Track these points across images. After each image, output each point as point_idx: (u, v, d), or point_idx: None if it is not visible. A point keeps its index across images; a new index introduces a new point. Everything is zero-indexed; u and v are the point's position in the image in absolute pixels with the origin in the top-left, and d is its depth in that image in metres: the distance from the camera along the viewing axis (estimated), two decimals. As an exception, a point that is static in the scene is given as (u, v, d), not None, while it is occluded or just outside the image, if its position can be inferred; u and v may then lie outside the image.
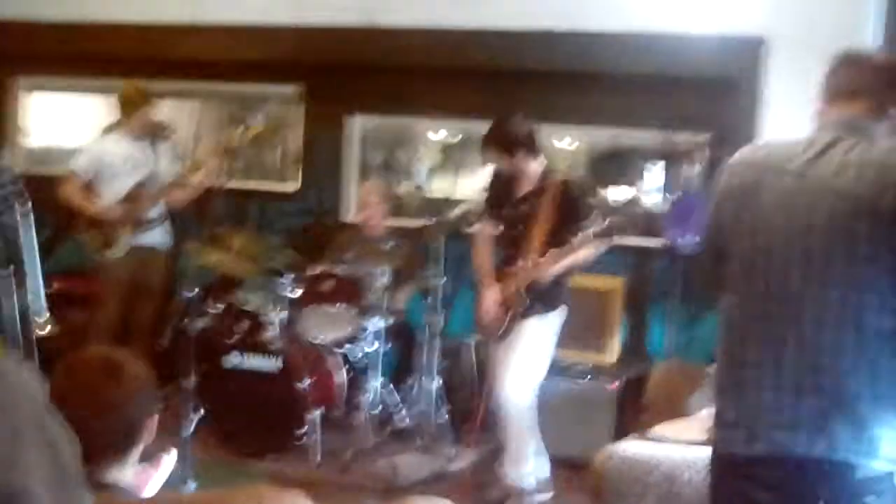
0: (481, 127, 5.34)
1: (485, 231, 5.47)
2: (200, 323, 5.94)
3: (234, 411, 5.86)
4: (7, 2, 7.44)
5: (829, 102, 2.53)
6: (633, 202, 6.84)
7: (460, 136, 7.30)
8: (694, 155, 6.57)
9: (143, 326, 6.64)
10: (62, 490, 0.84)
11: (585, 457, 4.59)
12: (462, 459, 5.88)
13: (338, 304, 6.19)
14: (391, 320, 6.22)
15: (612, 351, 6.52)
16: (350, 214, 7.34)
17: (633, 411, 5.71)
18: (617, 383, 5.97)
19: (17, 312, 5.65)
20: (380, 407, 6.05)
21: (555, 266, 5.02)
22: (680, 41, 6.17)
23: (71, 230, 6.66)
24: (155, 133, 6.55)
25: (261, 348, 5.94)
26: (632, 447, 4.34)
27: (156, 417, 2.27)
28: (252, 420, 5.82)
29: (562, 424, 5.56)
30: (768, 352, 2.39)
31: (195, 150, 7.50)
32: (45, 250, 6.28)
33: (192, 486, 4.67)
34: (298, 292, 6.22)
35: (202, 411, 5.68)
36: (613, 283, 6.52)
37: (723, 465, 2.52)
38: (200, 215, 6.67)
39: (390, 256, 6.30)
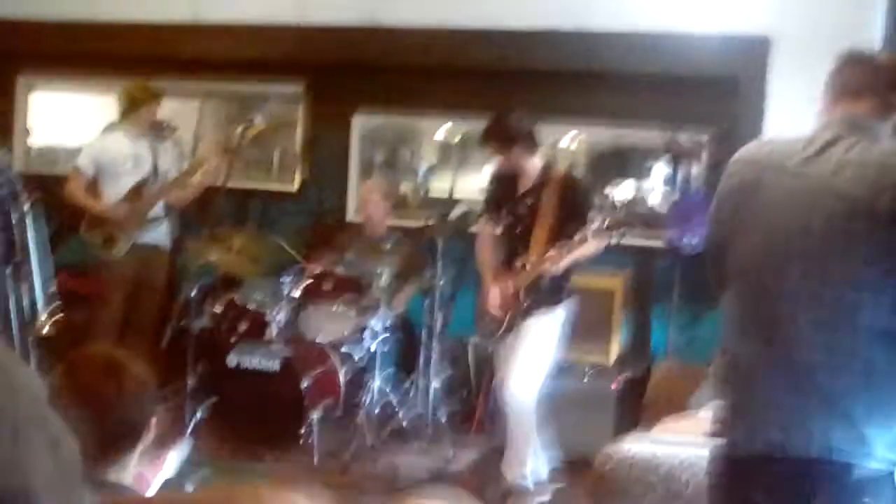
0: (483, 126, 5.34)
1: (487, 229, 5.47)
2: (202, 322, 5.95)
3: (235, 410, 5.85)
4: (11, 0, 7.44)
5: (834, 101, 2.52)
6: (636, 201, 6.84)
7: (462, 135, 7.29)
8: (697, 154, 6.57)
9: (145, 325, 6.63)
10: (64, 490, 0.84)
11: (586, 456, 4.59)
12: (462, 459, 5.88)
13: (339, 304, 6.18)
14: (392, 320, 6.23)
15: (613, 351, 6.51)
16: (352, 213, 7.34)
17: (633, 411, 5.71)
18: (617, 383, 5.97)
19: (20, 309, 5.67)
20: (380, 406, 6.05)
21: (558, 263, 5.02)
22: (684, 40, 6.17)
23: (73, 228, 6.66)
24: (157, 131, 6.55)
25: (262, 347, 5.94)
26: (632, 447, 4.33)
27: (157, 417, 2.27)
28: (253, 419, 5.82)
29: (562, 424, 5.55)
30: (766, 351, 2.39)
31: (197, 149, 7.50)
32: (49, 249, 6.32)
33: (192, 485, 4.67)
34: (300, 291, 6.23)
35: (203, 410, 5.68)
36: (614, 283, 6.51)
37: (722, 465, 2.52)
38: (202, 214, 6.68)
39: (392, 256, 6.30)
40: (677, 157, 6.64)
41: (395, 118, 7.42)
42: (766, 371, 2.39)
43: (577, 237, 4.91)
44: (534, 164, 5.24)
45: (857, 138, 2.40)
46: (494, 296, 5.24)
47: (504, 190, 5.34)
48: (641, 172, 6.96)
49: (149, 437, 2.25)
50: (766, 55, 6.01)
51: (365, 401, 5.97)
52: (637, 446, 4.34)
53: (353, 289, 6.22)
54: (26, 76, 8.05)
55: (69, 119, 8.16)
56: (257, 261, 6.35)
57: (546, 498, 5.28)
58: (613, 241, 5.06)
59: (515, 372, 5.10)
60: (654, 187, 6.92)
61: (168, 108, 6.94)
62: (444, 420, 6.06)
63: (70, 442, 0.87)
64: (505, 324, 5.21)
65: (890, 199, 2.27)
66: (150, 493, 2.32)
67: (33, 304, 5.66)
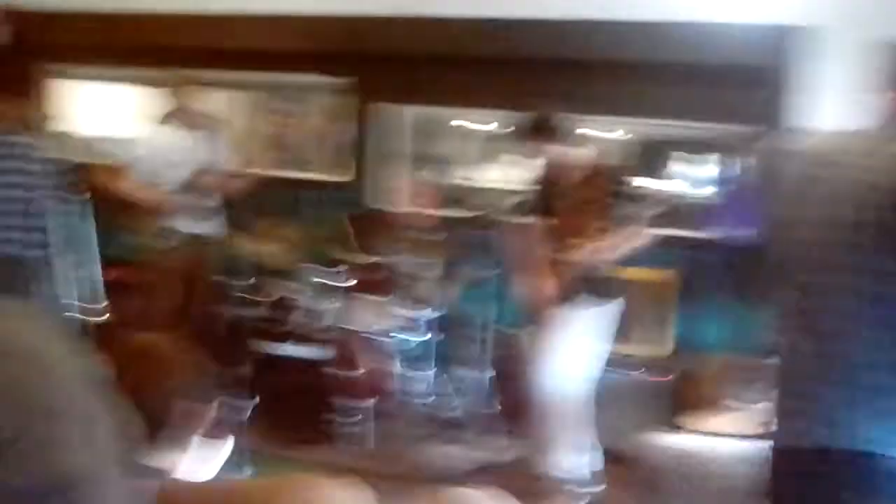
0: (530, 117, 5.33)
1: (532, 222, 5.46)
2: (252, 313, 5.99)
3: (285, 400, 5.89)
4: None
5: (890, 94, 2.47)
6: (680, 194, 6.80)
7: (508, 127, 7.27)
8: (744, 147, 6.51)
9: (196, 316, 6.68)
10: (99, 471, 0.85)
11: (637, 450, 4.58)
12: (511, 451, 5.88)
13: (389, 295, 6.20)
14: (440, 311, 6.23)
15: (666, 343, 6.48)
16: (398, 205, 7.35)
17: (686, 404, 5.67)
18: (670, 376, 5.94)
19: (72, 298, 5.75)
20: (430, 398, 6.06)
21: (601, 258, 5.00)
22: (721, 30, 6.12)
23: (124, 220, 6.73)
24: (206, 124, 6.59)
25: (312, 338, 5.98)
26: (681, 440, 4.32)
27: (209, 405, 2.29)
28: (300, 410, 5.86)
29: (614, 417, 5.53)
30: (816, 346, 2.37)
31: (246, 141, 7.54)
32: (99, 240, 6.40)
33: (242, 473, 4.71)
34: (350, 283, 6.25)
35: (253, 401, 5.73)
36: (667, 276, 6.48)
37: (780, 459, 2.50)
38: (250, 206, 6.72)
39: (440, 247, 6.31)
40: (724, 149, 6.59)
41: (442, 110, 7.43)
42: (815, 366, 2.37)
43: (617, 232, 4.90)
44: (580, 158, 5.22)
45: None
46: (543, 288, 5.23)
47: (549, 183, 5.33)
48: (690, 165, 6.91)
49: (200, 425, 2.26)
50: (810, 46, 5.94)
51: (414, 393, 5.98)
52: (686, 439, 4.33)
53: (402, 280, 6.24)
54: (66, 67, 8.12)
55: (112, 110, 8.24)
56: (306, 253, 6.38)
57: (597, 490, 5.26)
58: (652, 236, 5.04)
59: (563, 364, 5.09)
60: (700, 180, 6.87)
61: (217, 100, 6.99)
62: (494, 411, 6.06)
63: (109, 424, 0.88)
64: (554, 316, 5.20)
65: None
66: (200, 480, 2.33)
67: (84, 292, 5.75)
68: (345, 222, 6.88)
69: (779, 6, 6.03)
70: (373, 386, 5.93)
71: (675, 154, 6.94)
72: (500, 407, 6.15)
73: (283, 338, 6.02)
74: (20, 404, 0.79)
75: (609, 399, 5.47)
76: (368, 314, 6.18)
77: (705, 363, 5.98)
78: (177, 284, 6.54)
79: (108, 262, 6.93)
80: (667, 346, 6.49)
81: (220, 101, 7.38)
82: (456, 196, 7.41)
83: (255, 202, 6.75)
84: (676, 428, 4.86)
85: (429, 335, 6.11)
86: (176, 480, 2.09)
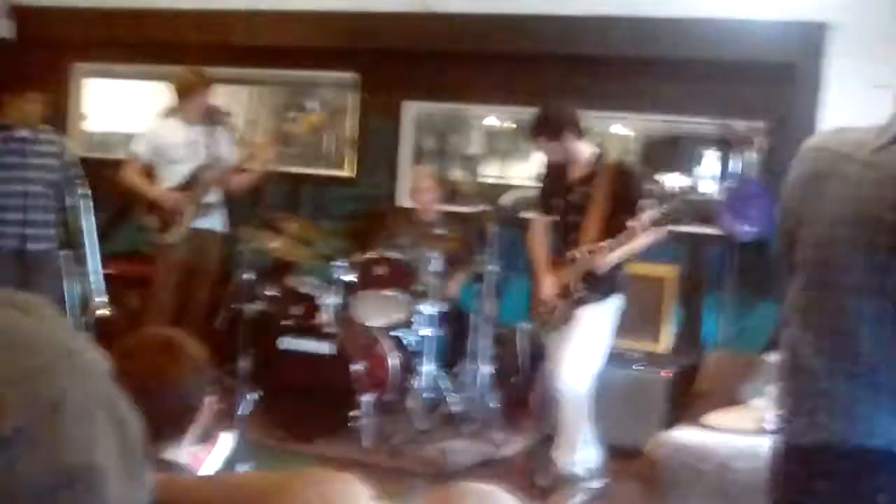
0: (541, 112, 5.32)
1: (539, 218, 5.46)
2: (255, 306, 6.00)
3: (287, 394, 5.91)
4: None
5: None
6: (689, 190, 6.80)
7: (514, 122, 7.29)
8: (752, 142, 6.51)
9: (200, 309, 6.70)
10: (129, 468, 0.86)
11: (638, 445, 4.59)
12: (512, 446, 5.89)
13: (391, 289, 6.21)
14: (444, 306, 6.25)
15: (666, 339, 6.49)
16: (404, 200, 7.36)
17: (686, 400, 5.69)
18: (670, 371, 5.95)
19: (76, 293, 5.77)
20: (431, 392, 6.07)
21: (612, 256, 5.00)
22: (739, 26, 6.11)
23: (130, 214, 6.75)
24: (212, 118, 6.59)
25: (315, 332, 5.99)
26: (684, 435, 4.33)
27: (212, 398, 2.30)
28: (305, 403, 5.87)
29: (614, 412, 5.53)
30: (829, 342, 2.37)
31: (252, 136, 7.56)
32: (104, 234, 6.43)
33: (245, 467, 4.72)
34: (352, 277, 6.27)
35: (255, 394, 5.74)
36: (668, 271, 6.48)
37: (784, 455, 2.50)
38: (257, 200, 6.73)
39: (443, 242, 6.32)
40: (732, 145, 6.59)
41: (446, 105, 7.44)
42: (828, 362, 2.36)
43: (629, 229, 4.88)
44: (585, 153, 5.21)
45: None
46: (547, 285, 5.23)
47: (555, 179, 5.33)
48: (695, 161, 6.91)
49: (203, 418, 2.28)
50: (822, 42, 5.93)
51: (415, 386, 6.00)
52: (688, 435, 4.34)
53: (405, 275, 6.25)
54: (82, 63, 8.15)
55: (124, 106, 8.26)
56: (310, 246, 6.39)
57: (598, 485, 5.27)
58: (666, 232, 5.04)
59: (567, 360, 5.09)
60: (707, 176, 6.87)
61: (222, 95, 7.00)
62: (493, 406, 6.07)
63: (135, 420, 0.89)
64: (558, 312, 5.20)
65: None
66: (204, 472, 2.35)
67: (89, 287, 5.77)
68: (350, 217, 6.89)
69: (796, 2, 6.02)
70: (377, 380, 5.94)
71: (681, 149, 6.93)
72: (503, 402, 6.16)
73: (287, 331, 6.03)
74: (29, 396, 0.80)
75: (611, 394, 5.48)
76: (374, 308, 6.19)
77: (707, 358, 5.99)
78: (183, 279, 6.55)
79: (114, 256, 6.96)
80: (668, 342, 6.50)
81: (227, 96, 7.39)
82: (462, 191, 7.43)
83: (261, 197, 6.77)
84: (679, 423, 4.87)
85: (433, 329, 6.12)
86: (180, 474, 2.11)
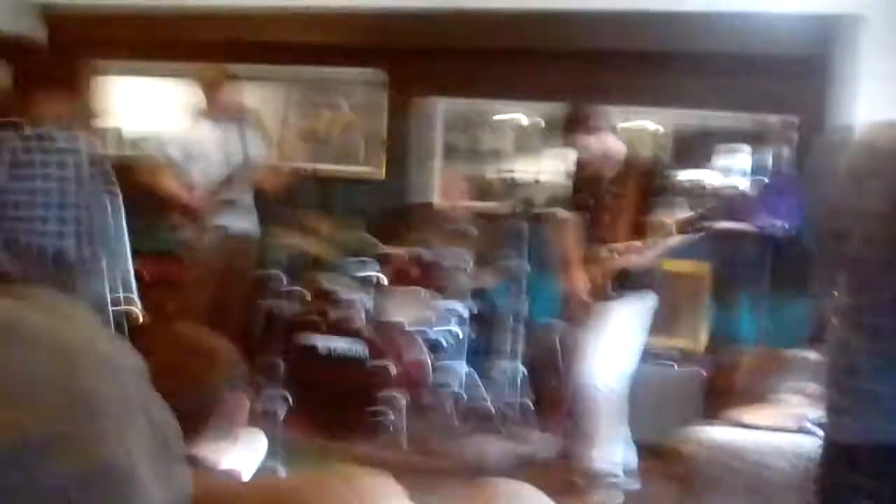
0: (568, 109, 5.31)
1: (570, 215, 5.44)
2: (286, 306, 6.01)
3: (319, 394, 5.91)
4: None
5: None
6: (720, 186, 6.75)
7: (543, 119, 7.26)
8: (785, 137, 6.45)
9: (231, 310, 6.71)
10: (166, 470, 0.86)
11: (673, 443, 4.56)
12: (545, 445, 5.87)
13: (422, 288, 6.21)
14: (475, 305, 6.23)
15: (700, 336, 6.44)
16: (433, 198, 7.35)
17: (721, 397, 5.64)
18: (705, 369, 5.90)
19: (107, 294, 5.79)
20: (465, 391, 6.07)
21: (644, 254, 4.96)
22: (770, 20, 6.06)
23: (161, 215, 6.77)
24: (239, 115, 6.60)
25: (346, 331, 5.99)
26: (719, 433, 4.30)
27: (244, 397, 2.30)
28: (337, 402, 5.88)
29: (649, 411, 5.51)
30: (877, 343, 2.34)
31: (282, 135, 7.56)
32: (135, 235, 6.45)
33: (279, 467, 4.73)
34: (383, 276, 6.27)
35: (290, 394, 5.76)
36: (701, 268, 6.44)
37: (831, 453, 2.48)
38: (287, 200, 6.74)
39: (475, 240, 6.31)
40: (765, 140, 6.54)
41: (477, 102, 7.42)
42: (877, 363, 2.34)
43: (662, 227, 4.85)
44: (616, 151, 5.18)
45: None
46: (580, 282, 5.21)
47: (586, 176, 5.30)
48: (726, 157, 6.86)
49: (237, 418, 2.28)
50: (853, 34, 5.87)
51: (450, 386, 5.99)
52: (723, 433, 4.30)
53: (435, 273, 6.24)
54: (110, 63, 8.19)
55: (153, 105, 8.30)
56: (343, 246, 6.40)
57: (633, 485, 5.25)
58: (699, 232, 5.00)
59: (601, 358, 5.07)
60: (741, 172, 6.82)
61: (252, 94, 7.01)
62: (527, 405, 6.05)
63: (170, 421, 0.89)
64: (591, 310, 5.18)
65: None
66: (239, 472, 2.35)
67: (121, 289, 5.80)
68: (380, 215, 6.90)
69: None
70: (409, 379, 5.94)
71: (713, 146, 6.89)
72: (534, 401, 6.14)
73: (319, 330, 6.04)
74: (67, 398, 0.80)
75: (644, 393, 5.45)
76: (404, 307, 6.19)
77: (741, 355, 5.95)
78: (214, 279, 6.57)
79: (147, 257, 6.99)
80: (702, 339, 6.45)
81: (257, 95, 7.40)
82: (491, 189, 7.41)
83: (291, 196, 6.78)
84: (713, 421, 4.83)
85: (464, 328, 6.11)
86: (214, 475, 2.11)
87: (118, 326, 5.51)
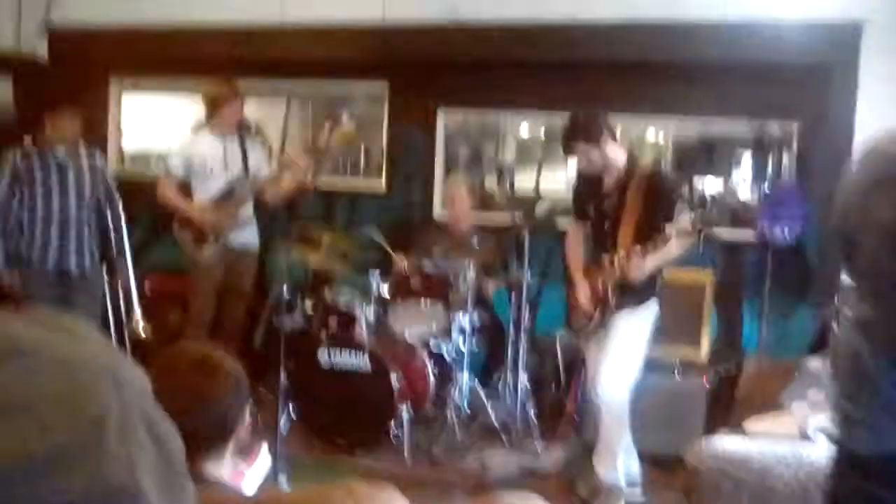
0: (573, 119, 5.30)
1: (574, 226, 5.44)
2: (291, 321, 6.01)
3: (325, 407, 5.91)
4: (103, 7, 7.60)
5: None
6: (724, 194, 6.75)
7: (546, 130, 7.27)
8: (787, 144, 6.46)
9: (236, 325, 6.71)
10: (170, 484, 0.86)
11: (678, 453, 4.55)
12: (551, 455, 5.87)
13: (426, 301, 6.21)
14: (479, 316, 6.23)
15: (704, 346, 6.44)
16: (438, 210, 7.36)
17: (725, 406, 5.64)
18: (708, 378, 5.90)
19: (115, 308, 5.81)
20: (469, 403, 6.06)
21: (647, 262, 4.96)
22: (772, 28, 6.07)
23: (165, 230, 6.78)
24: (243, 130, 6.61)
25: (351, 345, 5.99)
26: (724, 442, 4.29)
27: (250, 413, 2.30)
28: (343, 416, 5.87)
29: (653, 420, 5.50)
30: (888, 352, 2.33)
31: (285, 149, 7.58)
32: (141, 250, 6.47)
33: (284, 481, 4.73)
34: (388, 289, 6.27)
35: (294, 407, 5.76)
36: (704, 277, 6.43)
37: (845, 463, 2.47)
38: (290, 214, 6.75)
39: (477, 252, 6.31)
40: (767, 147, 6.54)
41: (478, 114, 7.44)
42: (886, 373, 2.33)
43: (664, 235, 4.84)
44: (618, 160, 5.18)
45: None
46: (584, 292, 5.21)
47: (590, 186, 5.30)
48: (730, 164, 6.87)
49: (242, 433, 2.28)
50: (857, 42, 5.88)
51: (454, 397, 5.99)
52: (729, 442, 4.30)
53: (441, 286, 6.24)
54: (118, 81, 8.22)
55: (161, 122, 8.32)
56: (346, 259, 6.41)
57: (638, 494, 5.24)
58: (701, 240, 4.99)
59: (606, 368, 5.07)
60: (743, 179, 6.83)
61: (255, 109, 7.03)
62: (532, 416, 6.05)
63: (175, 438, 0.90)
64: (594, 320, 5.18)
65: None
66: (245, 487, 2.35)
67: (127, 303, 5.81)
68: (383, 228, 6.90)
69: (830, 2, 5.97)
70: (413, 391, 5.94)
71: (716, 153, 6.90)
72: (539, 412, 6.13)
73: (322, 345, 6.04)
74: (72, 414, 0.80)
75: (647, 402, 5.44)
76: (408, 320, 6.19)
77: (746, 364, 5.95)
78: (219, 294, 6.57)
79: (151, 273, 7.00)
80: (707, 348, 6.44)
81: (260, 109, 7.42)
82: (494, 200, 7.42)
83: (294, 209, 6.79)
84: (719, 430, 4.83)
85: (468, 340, 6.11)
86: (221, 490, 2.11)
87: (121, 342, 5.51)
